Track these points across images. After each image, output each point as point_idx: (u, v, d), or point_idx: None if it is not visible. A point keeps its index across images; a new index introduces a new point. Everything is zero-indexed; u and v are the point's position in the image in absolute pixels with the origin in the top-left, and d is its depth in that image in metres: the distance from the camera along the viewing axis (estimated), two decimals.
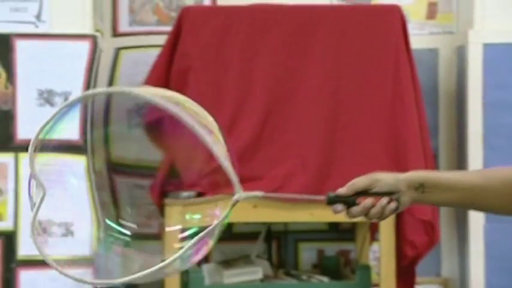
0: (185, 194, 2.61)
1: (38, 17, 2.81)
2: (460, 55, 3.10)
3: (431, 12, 3.23)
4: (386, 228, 2.67)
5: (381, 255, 2.67)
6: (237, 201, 1.43)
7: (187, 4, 3.13)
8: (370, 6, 3.11)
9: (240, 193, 1.43)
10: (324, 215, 2.69)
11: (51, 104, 2.74)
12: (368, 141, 2.70)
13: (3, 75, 2.77)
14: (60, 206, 2.71)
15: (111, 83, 3.13)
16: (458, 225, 3.15)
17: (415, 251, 2.72)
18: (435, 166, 2.98)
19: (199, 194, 2.58)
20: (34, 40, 2.80)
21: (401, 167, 2.67)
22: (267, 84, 2.75)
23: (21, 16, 2.81)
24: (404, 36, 2.78)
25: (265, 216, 2.69)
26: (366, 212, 1.52)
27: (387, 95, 2.74)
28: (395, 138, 2.71)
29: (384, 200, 1.51)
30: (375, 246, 2.97)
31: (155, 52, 2.89)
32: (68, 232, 2.71)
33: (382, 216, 1.52)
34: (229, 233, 3.07)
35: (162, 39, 2.89)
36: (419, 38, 3.16)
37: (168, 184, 2.67)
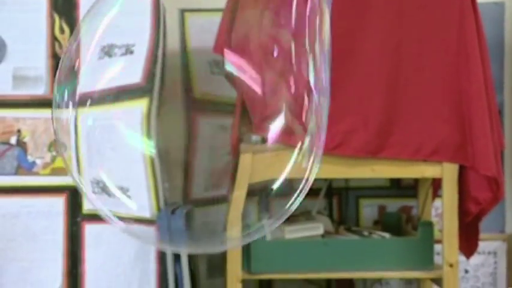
0: (254, 137, 2.61)
1: None
2: None
3: None
4: (449, 184, 2.65)
5: (443, 211, 2.65)
6: None
7: None
8: None
9: None
10: (385, 170, 2.69)
11: (110, 56, 2.76)
12: (431, 97, 2.67)
13: (67, 31, 2.80)
14: (115, 168, 2.74)
15: (183, 43, 3.14)
16: None
17: (479, 207, 2.70)
18: (500, 122, 2.94)
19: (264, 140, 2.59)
20: None
21: (466, 123, 2.64)
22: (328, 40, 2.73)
23: None
24: None
25: (326, 172, 2.68)
26: None
27: (451, 49, 2.69)
28: (460, 93, 2.67)
29: None
30: (437, 202, 2.96)
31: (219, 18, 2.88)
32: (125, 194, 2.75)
33: None
34: (290, 189, 3.07)
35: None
36: None
37: (242, 125, 2.67)
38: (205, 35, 3.04)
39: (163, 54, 2.70)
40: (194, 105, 3.09)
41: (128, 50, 2.69)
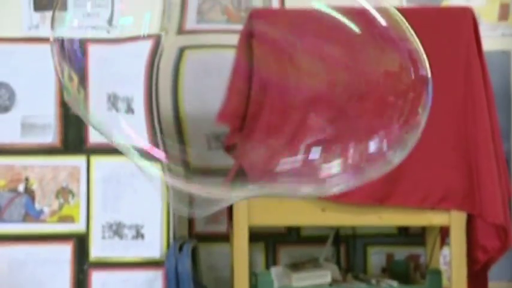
0: (250, 187, 2.62)
1: (110, 22, 2.85)
2: None
3: (504, 14, 3.19)
4: (457, 232, 2.64)
5: (451, 259, 2.64)
6: None
7: (255, 6, 3.13)
8: (441, 8, 3.09)
9: None
10: (393, 218, 2.68)
11: (117, 109, 2.78)
12: (439, 143, 2.68)
13: (76, 79, 2.81)
14: (131, 208, 2.76)
15: (175, 83, 3.15)
16: None
17: (487, 255, 2.68)
18: (507, 170, 2.94)
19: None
20: (105, 44, 2.84)
21: (473, 171, 2.64)
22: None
23: (93, 21, 2.86)
24: (476, 38, 2.75)
25: (334, 220, 2.68)
26: None
27: (458, 97, 2.70)
28: (467, 141, 2.67)
29: None
30: (446, 250, 2.94)
31: (221, 53, 2.88)
32: (139, 234, 2.75)
33: None
34: (297, 237, 3.07)
35: (230, 39, 2.88)
36: (491, 40, 3.12)
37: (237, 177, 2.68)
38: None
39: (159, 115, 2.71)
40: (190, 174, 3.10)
41: (130, 108, 2.70)
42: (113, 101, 2.84)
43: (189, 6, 3.17)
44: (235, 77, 2.74)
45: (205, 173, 2.99)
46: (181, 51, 3.13)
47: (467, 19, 2.74)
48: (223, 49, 2.97)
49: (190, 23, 3.14)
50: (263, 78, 2.39)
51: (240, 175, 2.61)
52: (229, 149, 2.72)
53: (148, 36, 2.79)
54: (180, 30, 3.14)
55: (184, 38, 3.13)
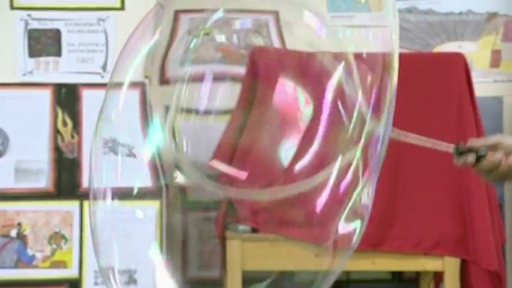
0: (241, 227, 2.63)
1: (104, 67, 2.87)
2: None
3: (495, 60, 3.21)
4: (451, 278, 2.63)
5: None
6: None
7: (256, 43, 3.05)
8: (433, 54, 3.11)
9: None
10: (386, 263, 2.67)
11: (116, 153, 2.78)
12: (431, 190, 2.68)
13: (70, 124, 2.82)
14: (123, 253, 2.74)
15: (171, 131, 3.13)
16: None
17: None
18: (500, 215, 2.93)
19: (254, 230, 2.60)
20: (99, 89, 2.85)
21: (466, 217, 2.63)
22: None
23: (87, 67, 2.87)
24: (468, 84, 2.77)
25: (328, 265, 2.66)
26: (493, 167, 1.48)
27: (451, 142, 2.71)
28: (460, 187, 2.68)
29: None
30: None
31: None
32: (131, 280, 2.73)
33: (508, 176, 1.46)
34: (291, 282, 3.05)
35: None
36: (483, 86, 3.14)
37: (227, 217, 2.68)
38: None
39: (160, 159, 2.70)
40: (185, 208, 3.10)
41: (131, 153, 2.70)
42: (111, 145, 2.84)
43: (173, 46, 3.08)
44: (229, 127, 2.72)
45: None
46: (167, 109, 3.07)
47: (459, 65, 2.76)
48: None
49: (173, 67, 3.03)
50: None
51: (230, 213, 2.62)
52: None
53: (134, 84, 2.75)
54: (162, 79, 2.98)
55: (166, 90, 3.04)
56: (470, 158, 1.50)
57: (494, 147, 1.48)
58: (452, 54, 2.86)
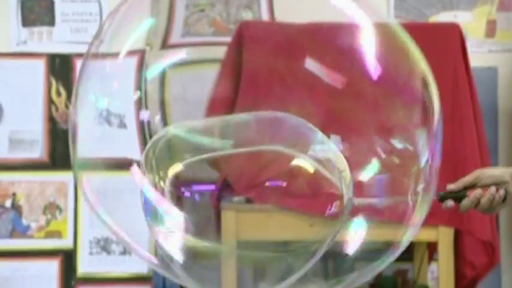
0: (236, 199, 2.63)
1: (97, 36, 2.85)
2: None
3: (490, 30, 3.21)
4: (445, 248, 2.64)
5: (439, 275, 2.64)
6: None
7: (245, 18, 3.11)
8: (428, 24, 3.10)
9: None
10: (379, 234, 2.68)
11: (109, 124, 2.77)
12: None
13: (64, 94, 2.81)
14: (119, 224, 2.75)
15: (162, 102, 3.13)
16: None
17: (475, 271, 2.69)
18: None
19: (248, 200, 2.61)
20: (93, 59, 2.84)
21: None
22: (326, 102, 2.74)
23: (81, 37, 2.86)
24: (463, 54, 2.76)
25: (322, 235, 2.67)
26: (476, 203, 1.60)
27: (445, 113, 2.70)
28: (454, 156, 2.68)
29: (493, 188, 1.57)
30: (433, 266, 2.94)
31: (206, 70, 2.86)
32: (126, 250, 2.74)
33: (492, 205, 1.57)
34: (285, 251, 3.06)
35: (216, 52, 2.86)
36: (478, 56, 3.13)
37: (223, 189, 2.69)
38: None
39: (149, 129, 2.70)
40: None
41: (122, 123, 2.70)
42: (106, 116, 2.83)
43: (175, 20, 3.14)
44: (220, 84, 2.73)
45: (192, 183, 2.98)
46: (164, 68, 3.10)
47: (454, 35, 2.75)
48: (209, 63, 2.96)
49: (176, 36, 3.12)
50: (250, 92, 2.40)
51: (226, 187, 2.63)
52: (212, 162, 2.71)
53: (133, 52, 2.77)
54: (165, 45, 3.10)
55: (168, 53, 3.09)
56: (449, 203, 1.62)
57: (473, 185, 1.58)
58: (447, 25, 2.85)
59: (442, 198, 1.62)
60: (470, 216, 2.63)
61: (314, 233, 2.69)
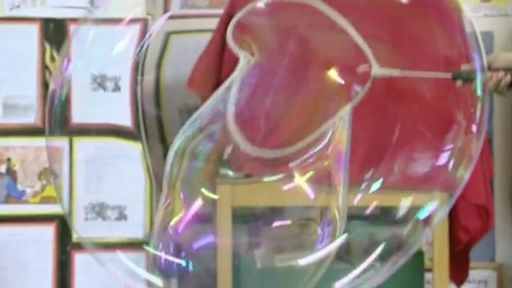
0: (232, 174, 2.63)
1: (92, 2, 2.84)
2: None
3: None
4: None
5: (433, 240, 2.65)
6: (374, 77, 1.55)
7: None
8: None
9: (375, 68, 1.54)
10: (374, 199, 2.68)
11: (104, 89, 2.77)
12: (420, 127, 2.68)
13: (58, 59, 2.80)
14: (114, 189, 2.76)
15: (158, 67, 3.14)
16: None
17: (469, 236, 2.70)
18: (490, 150, 2.95)
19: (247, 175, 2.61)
20: (88, 25, 2.83)
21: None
22: (316, 69, 2.74)
23: (75, 1, 2.85)
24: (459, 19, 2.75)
25: (318, 201, 2.68)
26: (485, 83, 1.74)
27: (442, 79, 2.71)
28: (448, 123, 2.68)
29: (501, 73, 1.68)
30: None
31: (205, 38, 2.88)
32: (122, 216, 2.75)
33: (497, 89, 1.66)
34: (281, 217, 3.06)
35: (213, 23, 2.89)
36: (474, 20, 3.11)
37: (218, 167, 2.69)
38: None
39: (142, 93, 2.72)
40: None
41: (117, 86, 2.70)
42: (100, 81, 2.83)
43: None
44: (208, 50, 2.74)
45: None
46: (167, 36, 3.13)
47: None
48: (206, 33, 2.97)
49: (174, 8, 3.14)
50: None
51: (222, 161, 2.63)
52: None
53: (135, 20, 2.78)
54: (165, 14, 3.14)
55: (169, 23, 3.12)
56: (458, 83, 1.79)
57: (492, 61, 1.70)
58: None
59: (454, 77, 1.75)
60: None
61: (309, 199, 2.70)
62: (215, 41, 2.79)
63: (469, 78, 1.74)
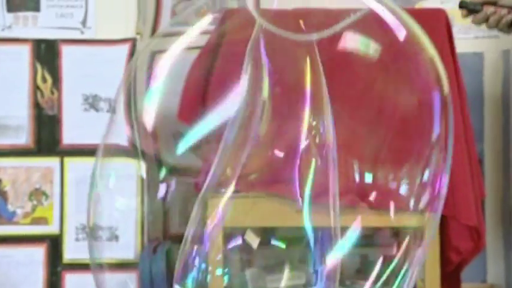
0: (223, 190, 2.63)
1: (84, 23, 2.85)
2: (506, 59, 3.07)
3: None
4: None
5: (424, 260, 2.64)
6: None
7: (230, 7, 3.13)
8: (414, 10, 3.10)
9: None
10: (364, 220, 2.68)
11: (96, 109, 2.77)
12: (411, 144, 2.68)
13: (49, 80, 2.80)
14: (107, 210, 2.75)
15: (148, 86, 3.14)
16: (504, 231, 3.12)
17: (460, 256, 2.70)
18: (480, 171, 2.95)
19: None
20: (79, 46, 2.84)
21: None
22: (313, 88, 2.74)
23: (67, 22, 2.85)
24: (449, 40, 2.76)
25: (309, 222, 2.68)
26: (487, 18, 1.85)
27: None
28: None
29: (504, 10, 1.75)
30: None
31: (193, 56, 2.87)
32: (113, 236, 2.74)
33: (498, 26, 1.72)
34: (272, 238, 3.06)
35: (203, 41, 2.87)
36: (464, 42, 3.13)
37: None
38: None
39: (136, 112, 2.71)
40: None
41: (112, 108, 2.70)
42: (92, 101, 2.83)
43: (163, 9, 3.16)
44: (192, 75, 2.73)
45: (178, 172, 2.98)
46: (153, 55, 3.12)
47: (440, 20, 2.75)
48: (195, 51, 2.97)
49: (164, 25, 3.15)
50: (222, 81, 2.39)
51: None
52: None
53: (125, 40, 2.80)
54: (154, 33, 3.14)
55: (157, 41, 3.12)
56: (463, 13, 1.93)
57: (494, 3, 1.78)
58: (434, 11, 2.85)
59: (461, 6, 1.87)
60: (455, 201, 2.63)
61: (300, 219, 2.69)
62: (200, 64, 2.78)
63: (474, 9, 1.80)
